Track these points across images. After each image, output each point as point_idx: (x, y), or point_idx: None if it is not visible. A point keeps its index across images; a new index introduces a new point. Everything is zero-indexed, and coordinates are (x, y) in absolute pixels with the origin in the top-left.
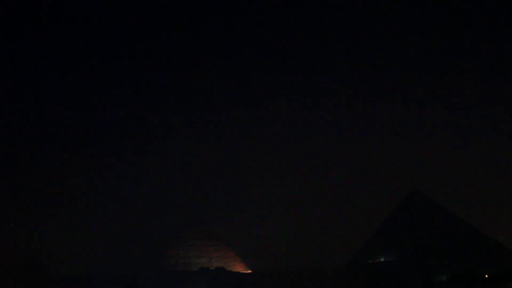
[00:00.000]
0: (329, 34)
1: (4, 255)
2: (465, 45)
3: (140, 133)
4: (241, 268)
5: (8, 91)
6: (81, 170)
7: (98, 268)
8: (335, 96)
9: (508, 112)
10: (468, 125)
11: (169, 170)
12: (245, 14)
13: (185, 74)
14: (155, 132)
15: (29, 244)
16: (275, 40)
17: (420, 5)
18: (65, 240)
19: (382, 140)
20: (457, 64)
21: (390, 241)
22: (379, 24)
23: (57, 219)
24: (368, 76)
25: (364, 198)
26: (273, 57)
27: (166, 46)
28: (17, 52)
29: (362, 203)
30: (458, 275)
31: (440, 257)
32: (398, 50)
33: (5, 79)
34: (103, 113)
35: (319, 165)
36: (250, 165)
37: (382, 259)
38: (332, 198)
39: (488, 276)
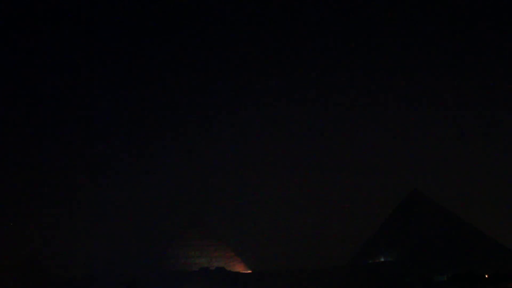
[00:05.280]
0: (330, 34)
1: (4, 255)
2: (465, 45)
3: (140, 133)
4: (241, 268)
5: (8, 91)
6: (81, 170)
7: (98, 268)
8: (335, 97)
9: (508, 112)
10: (468, 125)
11: (169, 170)
12: (246, 15)
13: (185, 74)
14: (155, 132)
15: (29, 244)
16: (275, 41)
17: (420, 5)
18: (66, 240)
19: (382, 140)
20: (457, 64)
21: (390, 241)
22: (380, 24)
23: (57, 220)
24: (368, 76)
25: (364, 198)
26: (274, 58)
27: (167, 46)
28: (17, 52)
29: (362, 203)
30: (458, 275)
31: (440, 257)
32: (398, 50)
33: (5, 79)
34: (103, 113)
35: (319, 165)
36: (250, 165)
37: (382, 259)
38: (332, 198)
39: (488, 276)
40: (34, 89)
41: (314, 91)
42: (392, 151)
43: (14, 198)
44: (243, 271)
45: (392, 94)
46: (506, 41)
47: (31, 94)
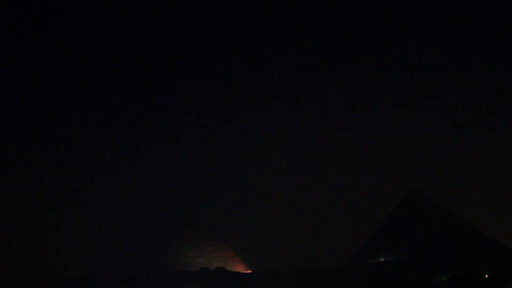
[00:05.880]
0: (330, 34)
1: (4, 255)
2: (465, 45)
3: (140, 133)
4: (241, 268)
5: (8, 91)
6: (81, 170)
7: (98, 268)
8: (335, 96)
9: (508, 112)
10: (468, 125)
11: (169, 170)
12: (246, 15)
13: (185, 74)
14: (155, 132)
15: (29, 244)
16: (275, 40)
17: (420, 5)
18: (65, 240)
19: (382, 140)
20: (457, 64)
21: (390, 241)
22: (380, 25)
23: (57, 220)
24: (368, 76)
25: (364, 198)
26: (274, 57)
27: (167, 46)
28: (17, 52)
29: (362, 203)
30: (458, 275)
31: (440, 257)
32: (398, 50)
33: (5, 79)
34: (103, 113)
35: (319, 165)
36: (250, 165)
37: (382, 259)
38: (332, 198)
39: (488, 276)
40: (34, 89)
41: (314, 91)
42: (392, 151)
43: (14, 198)
44: (243, 271)
45: (392, 94)
46: (506, 41)
47: (30, 94)
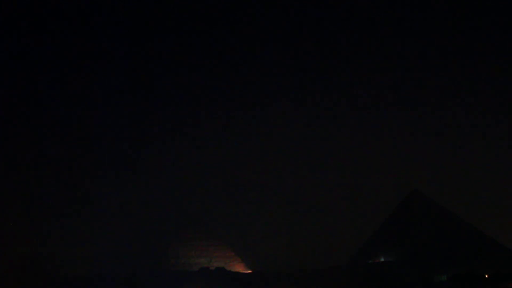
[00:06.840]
0: (329, 34)
1: (4, 255)
2: (465, 45)
3: (140, 133)
4: (241, 268)
5: (8, 91)
6: (80, 170)
7: (98, 268)
8: (335, 96)
9: (508, 112)
10: (468, 125)
11: (169, 170)
12: (246, 14)
13: (185, 74)
14: (155, 132)
15: (30, 245)
16: (275, 40)
17: (420, 5)
18: (66, 240)
19: (382, 140)
20: (457, 64)
21: (390, 241)
22: (379, 24)
23: (57, 220)
24: (367, 75)
25: (364, 198)
26: (273, 57)
27: (167, 46)
28: (17, 52)
29: (362, 203)
30: (458, 275)
31: (440, 257)
32: (398, 50)
33: (5, 79)
34: (103, 113)
35: (319, 165)
36: (249, 165)
37: (382, 259)
38: (332, 198)
39: (488, 276)
40: (34, 89)
41: (314, 90)
42: (392, 151)
43: (14, 198)
44: (243, 271)
45: (392, 94)
46: (506, 41)
47: (31, 93)
